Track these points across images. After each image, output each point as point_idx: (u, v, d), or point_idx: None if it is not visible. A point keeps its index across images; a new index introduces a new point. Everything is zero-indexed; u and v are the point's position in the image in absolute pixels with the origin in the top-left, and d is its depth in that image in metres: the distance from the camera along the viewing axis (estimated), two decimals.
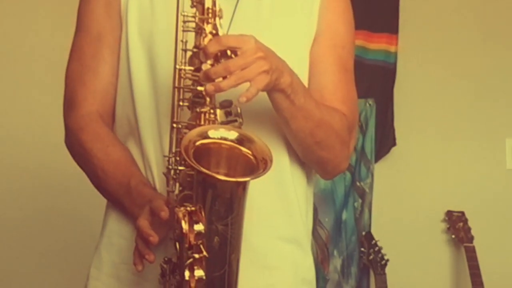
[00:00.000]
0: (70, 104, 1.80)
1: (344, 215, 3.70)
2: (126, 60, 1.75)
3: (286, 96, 1.62)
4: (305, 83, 1.76)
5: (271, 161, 1.52)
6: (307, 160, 1.78)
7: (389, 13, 3.85)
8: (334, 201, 3.69)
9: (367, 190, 3.75)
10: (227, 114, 1.56)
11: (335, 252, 3.67)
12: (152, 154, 1.71)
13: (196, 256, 1.48)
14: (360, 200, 3.74)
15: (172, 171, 1.57)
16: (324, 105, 1.73)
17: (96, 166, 1.72)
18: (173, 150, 1.58)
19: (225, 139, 1.53)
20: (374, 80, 3.82)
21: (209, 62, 1.53)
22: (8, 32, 3.43)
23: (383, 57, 3.83)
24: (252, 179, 1.50)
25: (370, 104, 3.77)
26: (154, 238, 1.53)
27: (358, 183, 3.74)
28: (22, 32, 3.40)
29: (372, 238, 3.66)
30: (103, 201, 1.80)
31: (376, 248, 3.62)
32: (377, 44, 3.82)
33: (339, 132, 1.74)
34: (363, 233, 3.70)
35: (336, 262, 3.66)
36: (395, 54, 3.85)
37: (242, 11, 1.73)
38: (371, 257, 3.61)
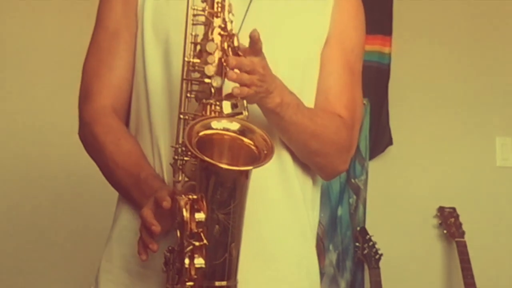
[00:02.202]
0: (85, 97, 1.80)
1: (339, 211, 3.69)
2: (141, 56, 1.75)
3: (275, 113, 1.62)
4: (314, 83, 1.77)
5: (273, 151, 1.51)
6: (306, 163, 1.78)
7: (383, 15, 3.84)
8: (330, 198, 3.68)
9: (361, 186, 3.74)
10: (233, 106, 1.56)
11: (331, 247, 3.66)
12: (162, 146, 1.71)
13: (197, 244, 1.47)
14: (354, 197, 3.72)
15: (179, 162, 1.57)
16: (320, 115, 1.73)
17: (107, 158, 1.71)
18: (180, 141, 1.58)
19: (228, 130, 1.53)
20: (369, 80, 3.75)
21: (216, 55, 1.53)
22: (14, 31, 3.42)
23: (378, 58, 3.82)
24: (254, 168, 1.50)
25: (364, 104, 3.75)
26: (156, 227, 1.51)
27: (353, 180, 3.73)
28: (28, 31, 3.38)
29: (366, 233, 3.65)
30: (115, 195, 1.80)
31: (370, 243, 3.62)
32: (371, 45, 3.81)
33: (335, 140, 1.74)
34: (358, 228, 3.69)
35: (332, 256, 3.65)
36: (389, 55, 3.84)
37: (255, 10, 1.72)
38: (365, 251, 3.60)
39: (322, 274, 3.62)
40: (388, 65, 3.83)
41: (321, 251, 3.64)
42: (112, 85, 1.78)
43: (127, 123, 1.80)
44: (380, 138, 3.81)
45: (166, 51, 1.72)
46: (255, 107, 1.61)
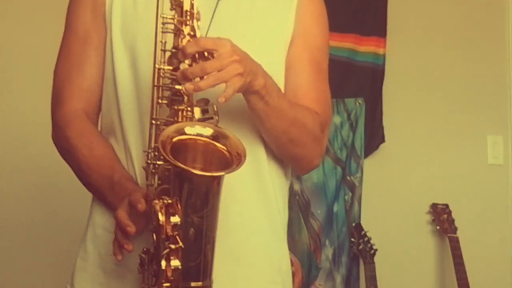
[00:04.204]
0: (57, 101, 1.79)
1: (336, 208, 3.69)
2: (111, 61, 1.74)
3: (260, 97, 1.60)
4: (281, 83, 1.74)
5: (245, 156, 1.51)
6: (282, 156, 1.77)
7: (378, 17, 3.83)
8: (326, 194, 3.68)
9: (357, 184, 3.73)
10: (204, 112, 1.55)
11: (327, 242, 3.66)
12: (134, 150, 1.70)
13: (173, 246, 1.46)
14: (350, 193, 3.72)
15: (151, 166, 1.56)
16: (297, 104, 1.72)
17: (80, 161, 1.71)
18: (152, 146, 1.58)
19: (201, 135, 1.52)
20: (364, 80, 3.81)
21: (187, 62, 1.52)
22: (10, 33, 3.38)
23: (372, 59, 3.81)
24: (226, 173, 1.49)
25: (359, 103, 3.75)
26: (131, 228, 1.51)
27: (348, 177, 3.72)
28: (25, 33, 3.35)
29: (361, 229, 3.64)
30: (89, 194, 1.78)
31: (366, 239, 3.61)
32: (366, 46, 3.81)
33: (312, 130, 1.73)
34: (353, 224, 3.68)
35: (328, 252, 3.65)
36: (384, 56, 3.83)
37: (221, 14, 1.72)
38: (360, 247, 3.59)
39: (318, 268, 3.65)
40: (383, 66, 3.82)
41: (318, 247, 3.64)
42: (83, 89, 1.76)
43: (97, 125, 1.80)
44: (374, 137, 3.80)
45: (133, 56, 1.70)
46: (226, 112, 1.59)
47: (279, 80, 1.72)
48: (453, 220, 3.73)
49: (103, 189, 1.68)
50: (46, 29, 3.10)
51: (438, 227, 3.76)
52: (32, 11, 3.38)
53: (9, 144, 3.30)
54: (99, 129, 1.81)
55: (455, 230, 3.70)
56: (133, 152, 1.70)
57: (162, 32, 1.57)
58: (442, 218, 3.74)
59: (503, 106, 4.00)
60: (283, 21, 1.78)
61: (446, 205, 3.78)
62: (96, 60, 1.77)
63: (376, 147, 3.81)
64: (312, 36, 1.81)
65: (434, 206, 3.79)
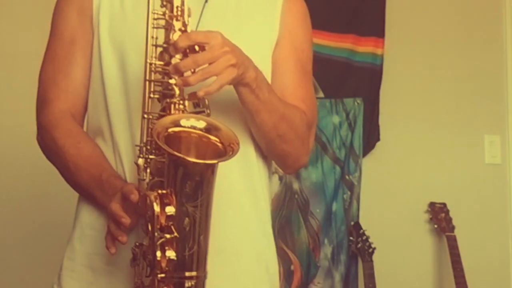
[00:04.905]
0: (42, 103, 1.79)
1: (334, 206, 3.69)
2: (98, 61, 1.75)
3: (251, 90, 1.62)
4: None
5: (238, 144, 1.52)
6: (270, 153, 1.78)
7: (376, 18, 3.84)
8: (325, 193, 3.68)
9: (355, 183, 3.73)
10: (195, 105, 1.57)
11: (326, 241, 3.66)
12: (123, 146, 1.70)
13: (168, 236, 1.47)
14: (349, 192, 3.72)
15: (143, 160, 1.57)
16: (286, 101, 1.73)
17: (68, 161, 1.70)
18: (144, 140, 1.58)
19: (194, 127, 1.53)
20: (362, 80, 3.81)
21: (178, 56, 1.53)
22: (13, 34, 3.37)
23: (370, 59, 3.82)
24: (220, 161, 1.50)
25: (358, 103, 3.76)
26: (126, 219, 1.52)
27: (347, 177, 3.72)
28: (27, 34, 3.34)
29: (360, 227, 3.64)
30: (75, 193, 1.78)
31: (364, 237, 3.61)
32: (364, 47, 3.81)
33: (300, 127, 1.75)
34: (352, 223, 3.68)
35: (327, 250, 3.65)
36: (382, 56, 3.83)
37: (209, 13, 1.73)
38: (359, 245, 3.59)
39: (317, 267, 3.66)
40: (381, 66, 3.82)
41: (317, 245, 3.64)
42: (69, 91, 1.77)
43: (82, 126, 1.79)
44: (371, 136, 3.80)
45: (122, 56, 1.71)
46: (217, 106, 1.60)
47: (267, 79, 1.73)
48: (450, 219, 3.73)
49: (91, 188, 1.68)
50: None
51: (436, 226, 3.75)
52: (41, 16, 3.36)
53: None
54: (85, 130, 1.81)
55: (452, 229, 3.70)
56: (122, 149, 1.70)
57: (153, 27, 1.58)
58: (439, 217, 3.74)
59: (501, 106, 4.00)
60: (269, 23, 1.80)
61: (444, 204, 3.78)
62: (82, 62, 1.77)
63: (373, 146, 3.81)
64: (297, 37, 1.83)
65: (432, 205, 3.79)
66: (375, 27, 3.83)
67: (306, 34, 1.85)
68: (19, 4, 3.38)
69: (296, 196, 3.63)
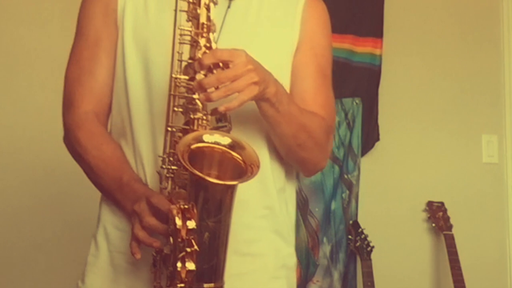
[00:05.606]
0: (68, 104, 1.81)
1: (333, 205, 3.70)
2: (122, 65, 1.76)
3: (271, 104, 1.64)
4: (287, 87, 1.77)
5: (258, 167, 1.54)
6: (289, 159, 1.80)
7: (374, 19, 3.85)
8: (324, 193, 3.69)
9: (354, 182, 3.74)
10: (218, 120, 1.58)
11: (325, 240, 3.67)
12: (145, 153, 1.72)
13: (188, 250, 1.49)
14: (347, 192, 3.73)
15: (165, 170, 1.59)
16: (305, 110, 1.75)
17: (90, 162, 1.73)
18: (167, 151, 1.60)
19: (218, 143, 1.55)
20: (361, 80, 3.82)
21: (202, 72, 1.55)
22: (14, 33, 3.35)
23: (369, 60, 3.83)
24: (240, 183, 1.52)
25: (356, 103, 3.77)
26: (157, 243, 1.55)
27: (346, 176, 3.73)
28: (28, 33, 3.34)
29: (358, 226, 3.66)
30: (97, 193, 1.81)
31: (362, 236, 3.62)
32: (363, 47, 3.82)
33: (319, 135, 1.77)
34: (350, 222, 3.69)
35: (326, 249, 3.66)
36: (380, 56, 3.84)
37: (230, 22, 1.75)
38: (357, 244, 3.60)
39: (316, 265, 3.67)
40: (379, 66, 3.84)
41: (316, 244, 3.65)
42: (93, 91, 1.78)
43: (107, 127, 1.81)
44: (370, 136, 3.81)
45: (145, 61, 1.73)
46: (235, 115, 1.62)
47: (285, 85, 1.75)
48: (448, 218, 3.75)
49: (112, 190, 1.70)
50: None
51: (433, 225, 3.77)
52: (43, 15, 3.38)
53: (18, 144, 3.31)
54: (109, 130, 1.82)
55: (450, 227, 3.71)
56: (143, 155, 1.72)
57: (179, 43, 1.59)
58: (437, 216, 3.76)
59: (498, 105, 4.02)
60: (289, 28, 1.81)
61: (442, 203, 3.80)
62: (107, 63, 1.79)
63: (372, 146, 3.82)
64: (317, 42, 1.85)
65: (429, 204, 3.81)
66: (373, 27, 3.84)
67: (327, 39, 1.87)
68: (19, 4, 3.37)
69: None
